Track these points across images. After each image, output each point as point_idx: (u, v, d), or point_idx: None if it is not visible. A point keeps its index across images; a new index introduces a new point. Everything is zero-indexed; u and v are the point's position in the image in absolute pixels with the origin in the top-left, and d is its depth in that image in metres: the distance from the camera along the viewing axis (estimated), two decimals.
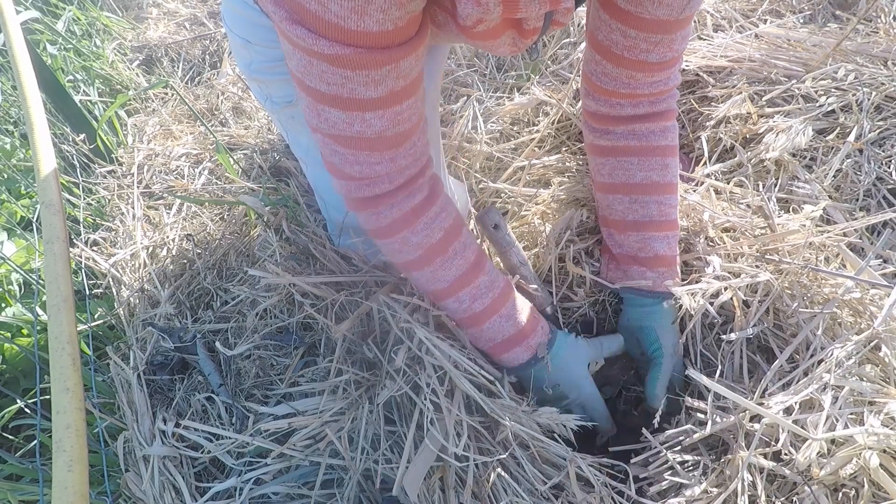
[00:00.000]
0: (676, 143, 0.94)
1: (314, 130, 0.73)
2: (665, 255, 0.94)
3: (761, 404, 0.78)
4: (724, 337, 0.88)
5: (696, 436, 0.81)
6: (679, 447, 0.83)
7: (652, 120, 0.91)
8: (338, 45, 0.59)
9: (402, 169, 0.77)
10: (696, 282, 0.93)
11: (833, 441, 0.74)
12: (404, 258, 0.84)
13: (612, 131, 0.94)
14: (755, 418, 0.78)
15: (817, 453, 0.73)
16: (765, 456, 0.77)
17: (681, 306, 0.89)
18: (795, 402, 0.76)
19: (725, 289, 0.87)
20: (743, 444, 0.77)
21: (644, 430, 0.85)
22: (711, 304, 0.88)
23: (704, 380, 0.79)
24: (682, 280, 0.97)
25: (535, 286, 0.98)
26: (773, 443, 0.77)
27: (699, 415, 0.84)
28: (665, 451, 0.82)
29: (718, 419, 0.81)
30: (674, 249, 0.95)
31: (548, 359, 0.88)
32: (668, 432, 0.86)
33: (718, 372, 0.88)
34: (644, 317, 0.96)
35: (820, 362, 0.80)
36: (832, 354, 0.79)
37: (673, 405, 0.91)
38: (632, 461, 0.84)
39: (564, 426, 0.86)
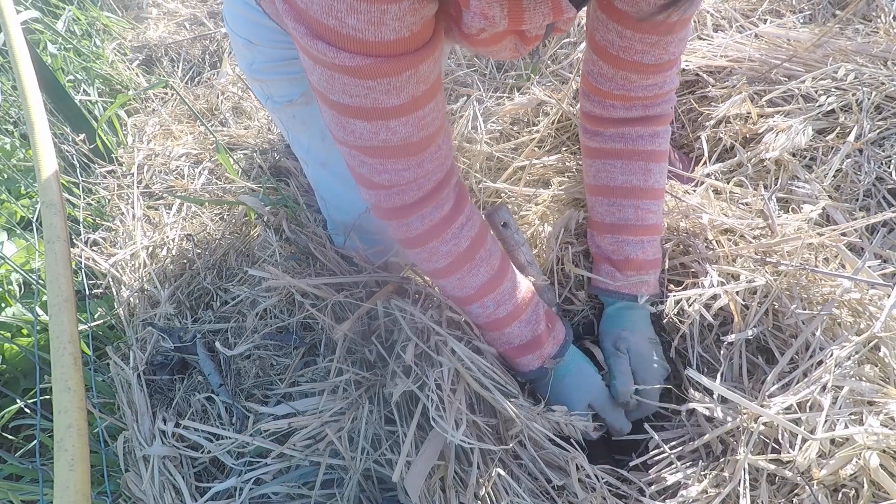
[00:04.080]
0: (665, 149, 0.94)
1: (340, 143, 0.74)
2: (636, 259, 0.94)
3: (762, 405, 0.78)
4: (723, 339, 0.88)
5: (697, 441, 0.82)
6: (679, 447, 0.83)
7: (643, 124, 0.91)
8: (358, 56, 0.60)
9: (429, 174, 0.77)
10: (693, 286, 0.93)
11: (833, 441, 0.74)
12: (433, 266, 0.85)
13: (602, 133, 0.95)
14: (755, 418, 0.78)
15: (817, 453, 0.73)
16: (764, 456, 0.77)
17: (654, 304, 0.90)
18: (795, 403, 0.76)
19: (722, 294, 0.87)
20: (743, 445, 0.77)
21: (647, 427, 0.84)
22: (707, 308, 0.88)
23: (704, 380, 0.79)
24: (679, 284, 0.98)
25: (542, 287, 0.98)
26: (772, 443, 0.77)
27: (700, 410, 0.84)
28: (666, 450, 0.82)
29: (718, 420, 0.81)
30: (647, 254, 0.95)
31: (552, 373, 0.90)
32: (668, 433, 0.86)
33: (719, 373, 0.88)
34: (607, 318, 0.97)
35: (819, 363, 0.80)
36: (831, 355, 0.79)
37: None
38: (631, 463, 0.84)
39: (574, 427, 0.87)
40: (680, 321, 0.93)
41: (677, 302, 0.91)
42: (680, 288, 0.95)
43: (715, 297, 0.89)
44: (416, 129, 0.71)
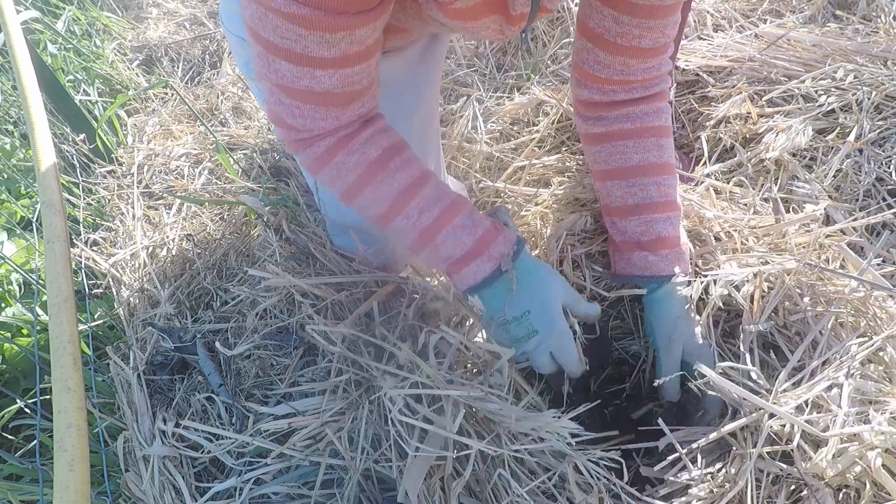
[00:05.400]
0: (670, 125, 0.92)
1: (261, 78, 0.72)
2: (669, 236, 0.90)
3: (773, 403, 0.77)
4: (742, 327, 0.85)
5: (711, 435, 0.80)
6: (685, 447, 0.83)
7: (645, 102, 0.90)
8: (295, 4, 0.59)
9: (347, 125, 0.76)
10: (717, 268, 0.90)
11: (840, 440, 0.74)
12: (345, 183, 0.80)
13: (605, 117, 0.92)
14: (767, 416, 0.77)
15: (832, 454, 0.72)
16: (772, 455, 0.76)
17: (689, 283, 0.86)
18: (804, 402, 0.76)
19: (754, 275, 0.85)
20: (751, 444, 0.76)
21: (660, 422, 0.81)
22: (738, 290, 0.85)
23: (714, 377, 0.79)
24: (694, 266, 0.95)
25: None
26: (781, 442, 0.76)
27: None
28: (677, 447, 0.81)
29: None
30: (677, 230, 0.91)
31: (513, 272, 0.80)
32: (677, 432, 0.85)
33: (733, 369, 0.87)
34: (648, 306, 0.92)
35: (825, 362, 0.80)
36: (838, 354, 0.78)
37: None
38: (641, 466, 0.83)
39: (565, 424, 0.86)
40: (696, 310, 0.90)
41: (685, 282, 0.88)
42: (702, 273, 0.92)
43: (734, 286, 0.85)
44: (342, 84, 0.69)
